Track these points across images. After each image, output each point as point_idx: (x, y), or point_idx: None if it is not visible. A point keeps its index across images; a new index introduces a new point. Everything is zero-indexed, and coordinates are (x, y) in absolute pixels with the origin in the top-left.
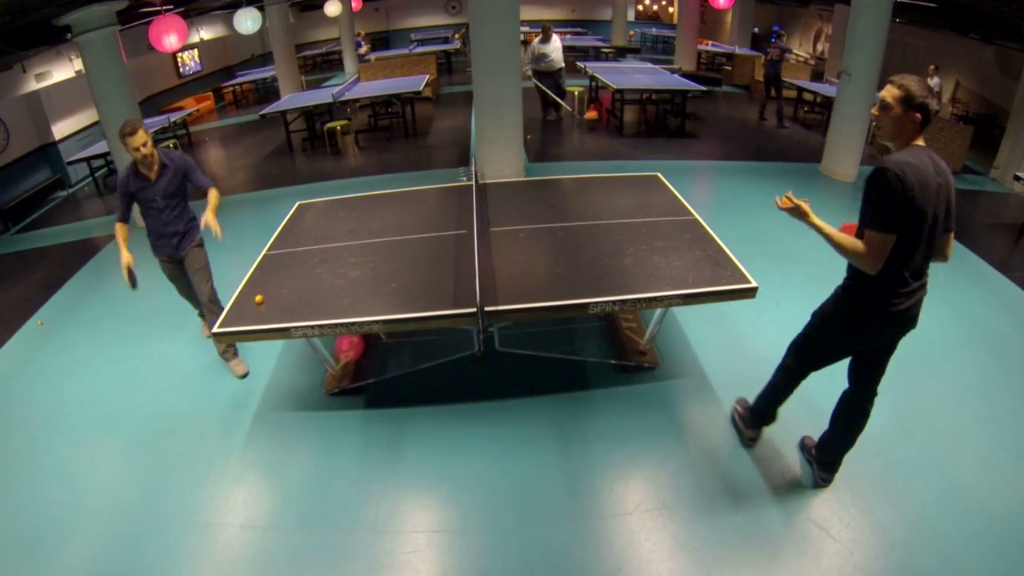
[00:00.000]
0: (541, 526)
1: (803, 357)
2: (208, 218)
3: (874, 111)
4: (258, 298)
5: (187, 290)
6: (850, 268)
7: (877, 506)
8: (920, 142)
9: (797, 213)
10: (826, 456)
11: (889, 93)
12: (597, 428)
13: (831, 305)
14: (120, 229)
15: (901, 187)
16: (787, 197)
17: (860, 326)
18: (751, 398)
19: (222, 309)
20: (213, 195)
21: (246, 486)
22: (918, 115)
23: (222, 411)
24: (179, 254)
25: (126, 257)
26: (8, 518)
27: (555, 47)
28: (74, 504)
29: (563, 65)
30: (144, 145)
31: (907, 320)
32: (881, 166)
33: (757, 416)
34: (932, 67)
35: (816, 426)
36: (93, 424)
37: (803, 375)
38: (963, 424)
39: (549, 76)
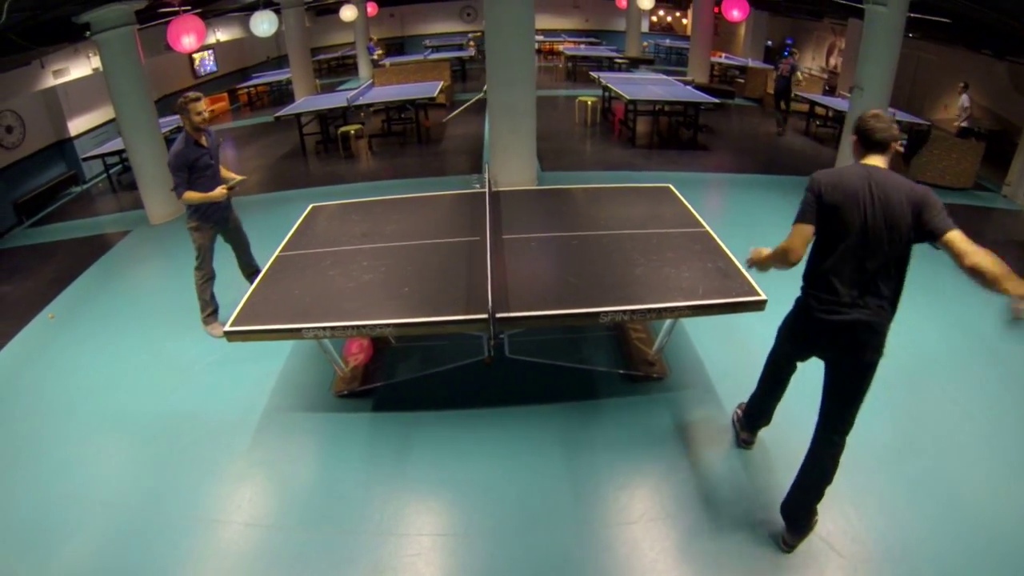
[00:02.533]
0: (546, 533)
1: (769, 356)
2: (229, 175)
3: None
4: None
5: (211, 263)
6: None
7: (881, 521)
8: (871, 161)
9: (759, 263)
10: (793, 508)
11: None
12: (604, 437)
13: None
14: (191, 193)
15: (811, 184)
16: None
17: (794, 324)
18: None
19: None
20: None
21: (252, 484)
22: (854, 137)
23: (230, 409)
24: (225, 214)
25: (218, 191)
26: (13, 510)
27: None
28: (79, 498)
29: None
30: (206, 110)
31: (838, 337)
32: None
33: (749, 418)
34: (961, 85)
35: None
36: (100, 419)
37: (773, 375)
38: (968, 439)
39: None
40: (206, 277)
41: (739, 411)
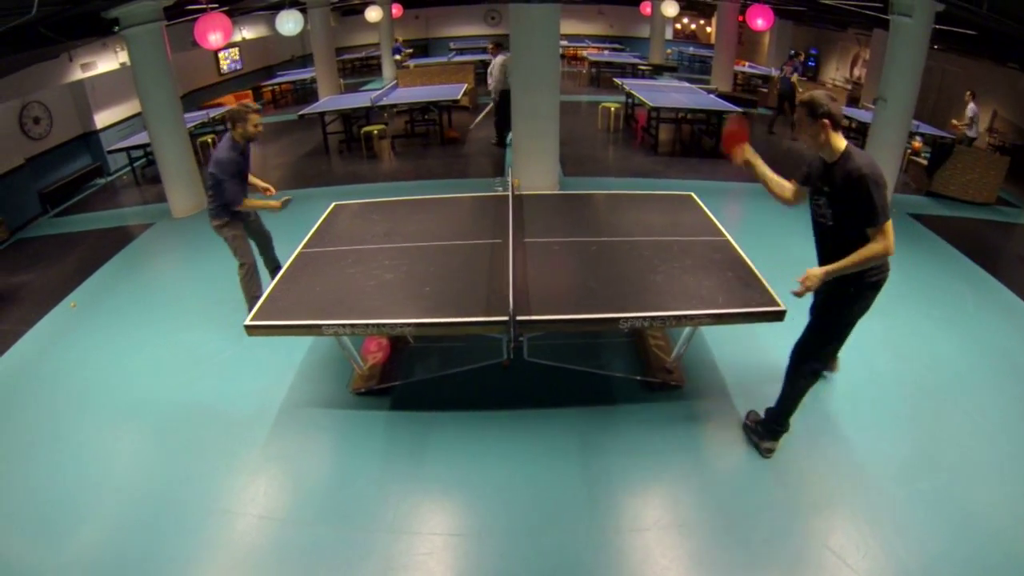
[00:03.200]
0: (558, 536)
1: (825, 352)
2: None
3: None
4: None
5: (249, 255)
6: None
7: (895, 537)
8: (844, 139)
9: (816, 282)
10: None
11: (797, 114)
12: (619, 443)
13: (840, 297)
14: (250, 200)
15: (885, 180)
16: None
17: (873, 297)
18: (760, 411)
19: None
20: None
21: (267, 478)
22: (826, 121)
23: (247, 403)
24: (251, 215)
25: (274, 203)
26: (28, 493)
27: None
28: (94, 483)
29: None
30: (258, 119)
31: None
32: (861, 172)
33: (775, 428)
34: (969, 93)
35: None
36: (118, 407)
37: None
38: (986, 459)
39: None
40: (248, 271)
41: (750, 422)
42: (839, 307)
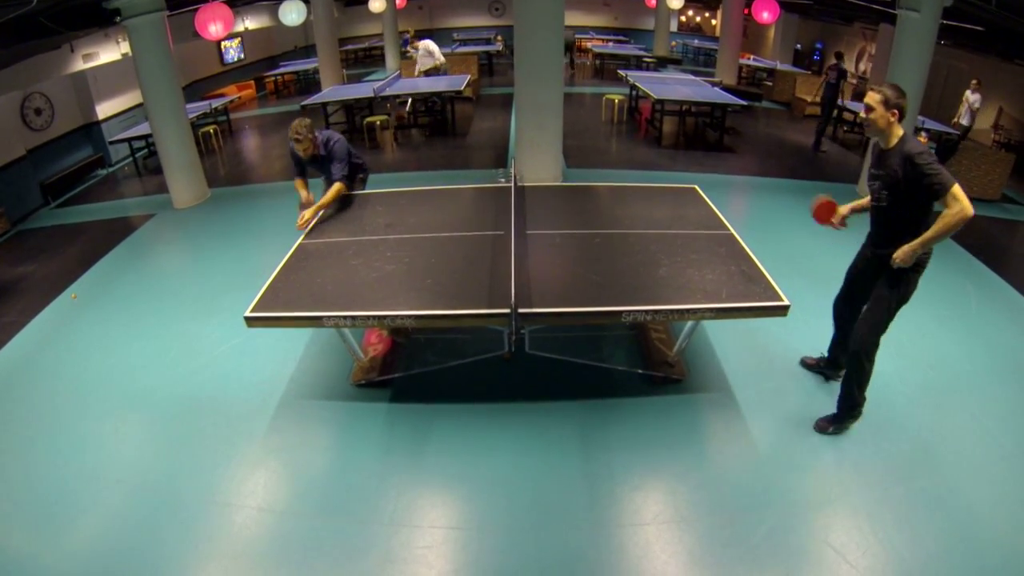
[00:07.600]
0: (558, 530)
1: (884, 329)
2: (306, 212)
3: (861, 114)
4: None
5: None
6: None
7: (896, 535)
8: (902, 131)
9: (909, 255)
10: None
11: (871, 98)
12: (620, 436)
13: (909, 275)
14: (297, 182)
15: (933, 155)
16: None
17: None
18: (835, 408)
19: None
20: (332, 190)
21: (267, 470)
22: (896, 111)
23: (248, 394)
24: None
25: (304, 195)
26: (28, 485)
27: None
28: (95, 475)
29: (424, 69)
30: (301, 146)
31: None
32: (910, 153)
33: (857, 412)
34: (975, 81)
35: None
36: (119, 398)
37: None
38: (988, 457)
39: None
40: None
41: (825, 424)
42: (904, 286)
